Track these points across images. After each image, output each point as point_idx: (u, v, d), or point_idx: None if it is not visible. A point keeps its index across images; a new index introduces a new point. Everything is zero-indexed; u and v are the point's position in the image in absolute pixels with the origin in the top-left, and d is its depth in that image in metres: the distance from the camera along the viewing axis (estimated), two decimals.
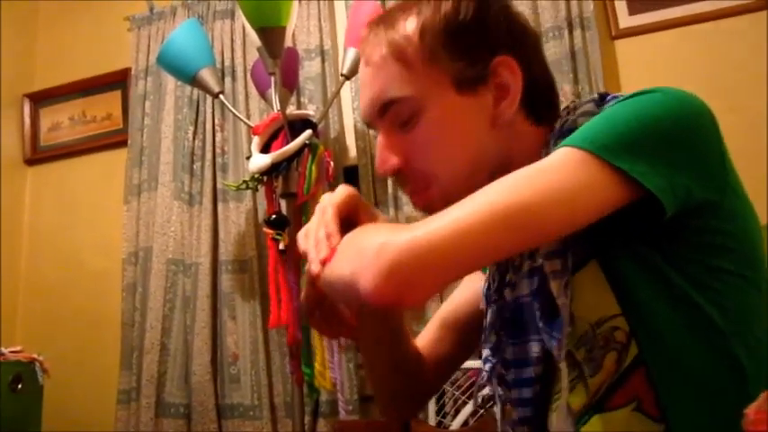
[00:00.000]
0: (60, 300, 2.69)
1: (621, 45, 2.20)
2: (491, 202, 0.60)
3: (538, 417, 0.71)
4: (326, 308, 0.77)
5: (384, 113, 0.76)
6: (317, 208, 0.75)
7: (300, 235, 0.74)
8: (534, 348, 0.71)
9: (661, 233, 0.65)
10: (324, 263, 0.68)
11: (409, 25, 0.75)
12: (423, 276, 0.60)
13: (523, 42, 0.77)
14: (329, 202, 0.74)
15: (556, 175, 0.62)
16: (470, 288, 0.92)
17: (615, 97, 0.72)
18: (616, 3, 2.21)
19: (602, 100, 0.75)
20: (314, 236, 0.72)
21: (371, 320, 0.84)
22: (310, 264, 0.70)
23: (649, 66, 2.15)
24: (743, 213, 0.69)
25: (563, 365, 0.66)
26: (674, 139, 0.64)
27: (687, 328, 0.65)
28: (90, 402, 2.50)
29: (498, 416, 0.79)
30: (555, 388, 0.69)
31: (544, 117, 0.78)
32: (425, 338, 0.95)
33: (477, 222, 0.59)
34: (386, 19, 0.78)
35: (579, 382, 0.66)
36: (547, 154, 0.71)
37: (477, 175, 0.74)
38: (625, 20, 2.20)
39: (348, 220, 0.73)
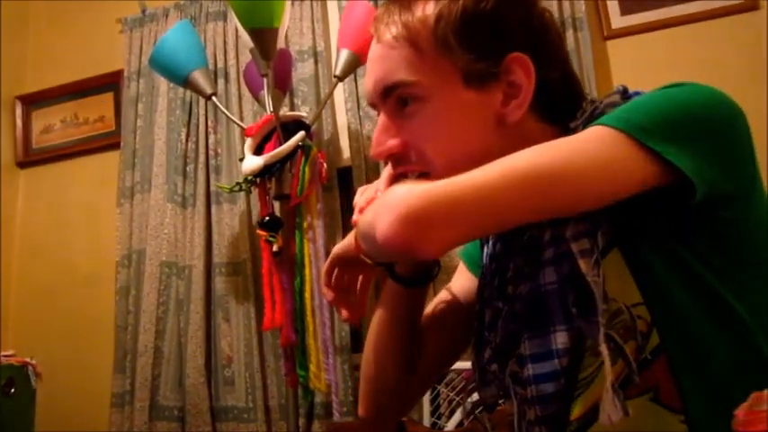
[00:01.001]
0: (53, 303, 2.68)
1: (614, 45, 2.21)
2: (516, 163, 0.61)
3: (560, 414, 0.67)
4: (348, 275, 0.78)
5: (388, 95, 0.74)
6: (384, 172, 0.78)
7: (359, 191, 0.78)
8: (560, 339, 0.67)
9: (685, 223, 0.64)
10: (361, 211, 0.69)
11: (427, 9, 0.73)
12: (438, 224, 0.59)
13: (544, 41, 0.74)
14: (387, 172, 0.77)
15: (586, 147, 0.62)
16: (462, 287, 0.91)
17: (638, 93, 0.72)
18: (608, 3, 2.22)
19: (625, 92, 0.74)
20: (369, 192, 0.75)
21: (394, 292, 0.84)
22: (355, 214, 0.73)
23: (641, 66, 2.16)
24: (765, 212, 0.69)
25: (603, 348, 0.63)
26: (707, 129, 0.64)
27: (710, 317, 0.64)
28: (83, 406, 2.49)
29: (515, 417, 0.75)
30: (581, 376, 0.66)
31: (560, 116, 0.75)
32: (432, 313, 0.92)
33: (499, 180, 0.59)
34: (400, 1, 0.76)
35: (626, 367, 0.64)
36: None
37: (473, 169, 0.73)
38: (617, 20, 2.21)
39: None
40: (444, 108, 0.72)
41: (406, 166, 0.75)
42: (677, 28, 2.14)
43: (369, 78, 0.77)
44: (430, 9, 0.73)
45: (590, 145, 0.62)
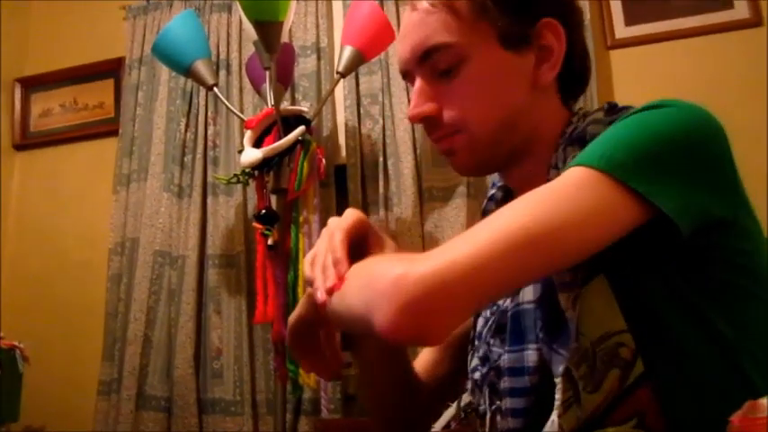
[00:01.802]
0: (44, 288, 2.66)
1: (617, 55, 2.21)
2: (509, 227, 0.58)
3: (528, 428, 0.69)
4: (313, 339, 0.74)
5: (426, 59, 0.75)
6: (324, 231, 0.73)
7: (306, 261, 0.71)
8: (531, 357, 0.69)
9: (674, 248, 0.63)
10: (331, 291, 0.65)
11: None
12: (444, 311, 0.57)
13: (570, 12, 0.78)
14: (337, 226, 0.71)
15: (573, 197, 0.60)
16: None
17: (625, 108, 0.72)
18: (613, 13, 2.22)
19: (611, 110, 0.74)
20: (321, 261, 0.68)
21: (373, 341, 0.81)
22: (315, 291, 0.67)
23: (643, 76, 2.17)
24: (754, 230, 0.69)
25: (560, 382, 0.64)
26: (690, 157, 0.63)
27: (698, 342, 0.64)
28: (70, 392, 2.47)
29: (487, 427, 0.77)
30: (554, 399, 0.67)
31: (571, 96, 0.79)
32: (424, 360, 0.92)
33: (492, 251, 0.57)
34: None
35: (574, 403, 0.64)
36: (561, 159, 0.71)
37: (506, 131, 0.75)
38: (621, 30, 2.21)
39: (356, 246, 0.71)
40: (483, 68, 0.74)
41: (440, 130, 0.77)
42: (681, 40, 2.15)
43: (404, 44, 0.78)
44: None
45: (578, 196, 0.60)
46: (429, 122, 0.77)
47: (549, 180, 0.70)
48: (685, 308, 0.64)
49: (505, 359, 0.72)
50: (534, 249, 0.58)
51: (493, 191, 0.90)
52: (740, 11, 2.11)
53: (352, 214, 0.74)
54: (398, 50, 0.80)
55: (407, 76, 0.80)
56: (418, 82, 0.77)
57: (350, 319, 0.63)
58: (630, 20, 2.20)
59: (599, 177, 0.60)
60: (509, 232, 0.58)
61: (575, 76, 0.79)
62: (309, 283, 0.70)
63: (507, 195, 0.87)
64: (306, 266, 0.71)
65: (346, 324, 0.67)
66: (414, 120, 0.78)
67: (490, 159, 0.78)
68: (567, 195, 0.60)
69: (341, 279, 0.65)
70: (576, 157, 0.65)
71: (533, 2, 0.75)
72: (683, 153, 0.63)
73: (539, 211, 0.59)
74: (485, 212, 0.89)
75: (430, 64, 0.75)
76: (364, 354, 0.84)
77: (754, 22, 2.09)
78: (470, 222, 2.00)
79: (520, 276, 0.60)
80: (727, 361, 0.64)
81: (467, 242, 0.58)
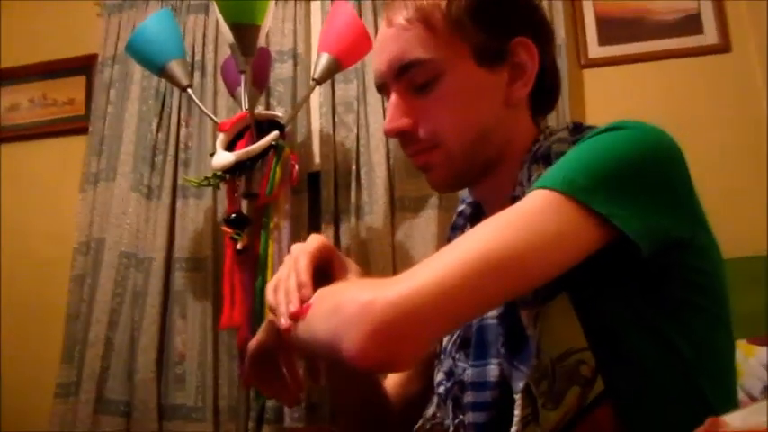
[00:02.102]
0: (4, 286, 2.59)
1: (590, 74, 2.25)
2: (476, 252, 0.59)
3: None
4: (273, 366, 0.73)
5: (402, 74, 0.76)
6: (287, 257, 0.72)
7: (269, 287, 0.71)
8: (493, 372, 0.70)
9: (634, 268, 0.64)
10: (296, 317, 0.64)
11: None
12: (412, 336, 0.56)
13: (542, 30, 0.80)
14: (302, 251, 0.71)
15: (537, 221, 0.61)
16: None
17: (590, 128, 0.73)
18: (587, 33, 2.26)
19: (576, 129, 0.76)
20: (284, 286, 0.68)
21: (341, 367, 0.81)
22: (279, 317, 0.66)
23: (615, 96, 2.21)
24: (710, 249, 0.70)
25: (519, 398, 0.64)
26: (650, 179, 0.64)
27: (657, 361, 0.65)
28: (27, 394, 2.40)
29: None
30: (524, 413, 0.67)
31: (541, 112, 0.81)
32: (393, 380, 0.92)
33: (463, 274, 0.57)
34: None
35: (532, 421, 0.64)
36: (525, 176, 0.72)
37: (480, 146, 0.76)
38: (595, 50, 2.25)
39: (321, 271, 0.71)
40: (459, 83, 0.75)
41: (416, 144, 0.77)
42: (652, 62, 2.20)
43: (381, 58, 0.78)
44: None
45: (541, 220, 0.61)
46: (405, 137, 0.78)
47: (514, 196, 0.72)
48: (645, 327, 0.65)
49: (469, 373, 0.73)
50: (501, 274, 0.58)
51: (462, 206, 0.91)
52: (710, 36, 2.16)
53: (315, 239, 0.74)
54: (374, 64, 0.81)
55: (383, 89, 0.80)
56: (394, 96, 0.78)
57: (316, 345, 0.63)
58: (604, 40, 2.25)
59: (561, 200, 0.61)
60: (476, 257, 0.58)
61: (545, 93, 0.81)
62: (272, 309, 0.69)
63: (476, 210, 0.88)
64: (268, 293, 0.71)
65: (312, 351, 0.67)
66: (390, 134, 0.78)
67: (465, 174, 0.79)
68: (530, 219, 0.61)
69: (306, 306, 0.64)
70: (539, 180, 0.65)
71: (508, 20, 0.77)
72: (642, 175, 0.64)
73: (504, 236, 0.60)
74: (454, 228, 0.90)
75: (406, 78, 0.76)
76: (332, 379, 0.83)
77: (722, 48, 2.15)
78: (441, 233, 2.01)
79: (487, 301, 0.60)
80: (685, 380, 0.65)
81: (434, 267, 0.58)
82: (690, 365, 0.65)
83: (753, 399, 1.57)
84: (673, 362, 0.65)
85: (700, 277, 0.68)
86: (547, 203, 0.62)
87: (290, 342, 0.66)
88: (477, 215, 0.88)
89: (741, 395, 1.58)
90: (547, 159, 0.72)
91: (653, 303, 0.65)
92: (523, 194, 0.70)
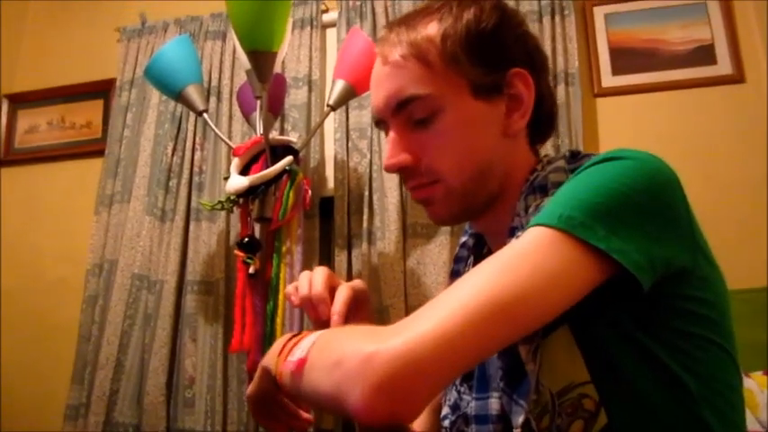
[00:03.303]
0: (16, 306, 2.61)
1: (603, 103, 2.26)
2: (477, 297, 0.57)
3: None
4: (276, 407, 0.73)
5: (400, 110, 0.76)
6: (303, 275, 0.78)
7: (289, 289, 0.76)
8: (494, 405, 0.70)
9: (635, 300, 0.63)
10: (298, 369, 0.62)
11: (431, 29, 0.76)
12: (418, 388, 0.55)
13: (536, 60, 0.80)
14: (317, 270, 0.78)
15: (537, 261, 0.59)
16: None
17: (587, 156, 0.73)
18: (601, 62, 2.27)
19: (573, 157, 0.75)
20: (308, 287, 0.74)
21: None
22: (279, 368, 0.65)
23: (627, 125, 2.21)
24: (713, 279, 0.69)
25: None
26: (649, 210, 0.63)
27: (660, 393, 0.64)
28: (37, 415, 2.41)
29: None
30: None
31: (539, 140, 0.81)
32: (421, 428, 0.90)
33: (465, 321, 0.56)
34: (407, 21, 0.79)
35: None
36: (522, 207, 0.71)
37: (482, 179, 0.76)
38: (608, 79, 2.26)
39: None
40: (457, 118, 0.75)
41: (417, 179, 0.78)
42: (665, 92, 2.20)
43: (378, 94, 0.78)
44: (434, 29, 0.76)
45: (539, 258, 0.59)
46: (406, 172, 0.78)
47: (512, 227, 0.72)
48: (647, 359, 0.64)
49: (472, 406, 0.73)
50: (503, 319, 0.57)
51: (464, 238, 0.91)
52: (723, 67, 2.17)
53: (322, 268, 0.81)
54: (372, 100, 0.80)
55: (381, 124, 0.80)
56: (393, 132, 0.78)
57: (319, 399, 0.61)
58: (617, 70, 2.26)
59: (560, 237, 0.60)
60: (477, 303, 0.57)
61: (543, 122, 0.81)
62: (288, 297, 0.75)
63: (478, 241, 0.88)
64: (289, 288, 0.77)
65: (314, 403, 0.65)
66: (390, 170, 0.78)
67: (467, 208, 0.79)
68: (530, 259, 0.60)
69: (299, 358, 0.63)
70: (537, 216, 0.64)
71: (503, 52, 0.76)
72: (640, 206, 0.63)
73: (504, 279, 0.58)
74: (458, 260, 0.90)
75: (404, 114, 0.76)
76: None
77: (736, 79, 2.15)
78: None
79: (491, 346, 0.59)
80: (689, 413, 0.64)
81: (435, 315, 0.57)
82: (694, 399, 0.64)
83: None
84: (677, 395, 0.64)
85: (702, 308, 0.66)
86: (546, 241, 0.61)
87: (288, 394, 0.66)
88: (479, 245, 0.88)
89: (758, 427, 1.56)
90: (544, 189, 0.72)
91: (655, 335, 0.64)
92: (521, 226, 0.70)
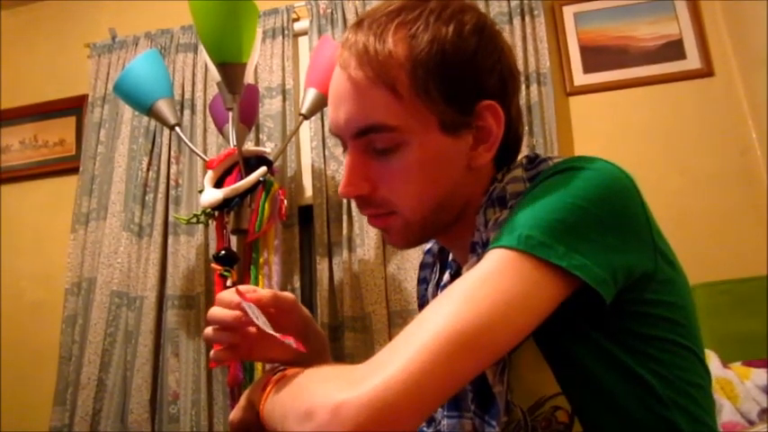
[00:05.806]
0: None
1: (575, 101, 2.27)
2: (441, 333, 0.56)
3: None
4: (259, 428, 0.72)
5: (361, 136, 0.71)
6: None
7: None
8: (467, 426, 0.69)
9: (598, 308, 0.63)
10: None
11: (401, 48, 0.69)
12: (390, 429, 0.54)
13: (509, 87, 0.75)
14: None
15: (499, 287, 0.58)
16: None
17: (544, 161, 0.72)
18: (572, 61, 2.29)
19: (530, 163, 0.73)
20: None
21: None
22: (263, 404, 0.66)
23: (600, 122, 2.23)
24: (675, 281, 0.69)
25: None
26: (607, 221, 0.62)
27: (629, 398, 0.64)
28: None
29: None
30: None
31: (504, 164, 0.76)
32: None
33: (432, 360, 0.55)
34: (375, 24, 0.71)
35: None
36: (482, 222, 0.70)
37: (442, 211, 0.73)
38: (580, 77, 2.27)
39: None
40: (421, 154, 0.70)
41: (374, 208, 0.74)
42: (637, 89, 2.22)
43: (337, 112, 0.72)
44: (404, 48, 0.69)
45: (501, 283, 0.58)
46: (362, 200, 0.74)
47: (473, 242, 0.70)
48: (614, 365, 0.64)
49: (444, 424, 0.72)
50: (469, 352, 0.56)
51: (429, 245, 0.90)
52: (692, 61, 2.19)
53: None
54: (331, 114, 0.74)
55: (338, 137, 0.76)
56: (350, 157, 0.73)
57: None
58: (588, 68, 2.27)
59: (520, 259, 0.59)
60: (443, 339, 0.55)
61: (510, 148, 0.77)
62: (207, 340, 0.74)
63: (443, 248, 0.87)
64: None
65: None
66: (346, 197, 0.76)
67: (425, 235, 0.77)
68: (492, 285, 0.58)
69: (266, 390, 0.63)
70: (496, 238, 0.63)
71: (477, 83, 0.71)
72: (597, 219, 0.62)
73: (467, 310, 0.57)
74: (423, 266, 0.89)
75: (366, 140, 0.71)
76: None
77: (705, 73, 2.17)
78: None
79: (460, 380, 0.58)
80: (658, 415, 0.64)
81: (402, 356, 0.56)
82: (662, 401, 0.64)
83: (750, 422, 1.55)
84: (646, 399, 0.64)
85: (666, 311, 0.66)
86: (507, 265, 0.60)
87: (271, 430, 0.66)
88: (444, 251, 0.87)
89: (738, 418, 1.57)
90: (503, 201, 0.70)
91: (620, 341, 0.64)
92: (481, 241, 0.69)
